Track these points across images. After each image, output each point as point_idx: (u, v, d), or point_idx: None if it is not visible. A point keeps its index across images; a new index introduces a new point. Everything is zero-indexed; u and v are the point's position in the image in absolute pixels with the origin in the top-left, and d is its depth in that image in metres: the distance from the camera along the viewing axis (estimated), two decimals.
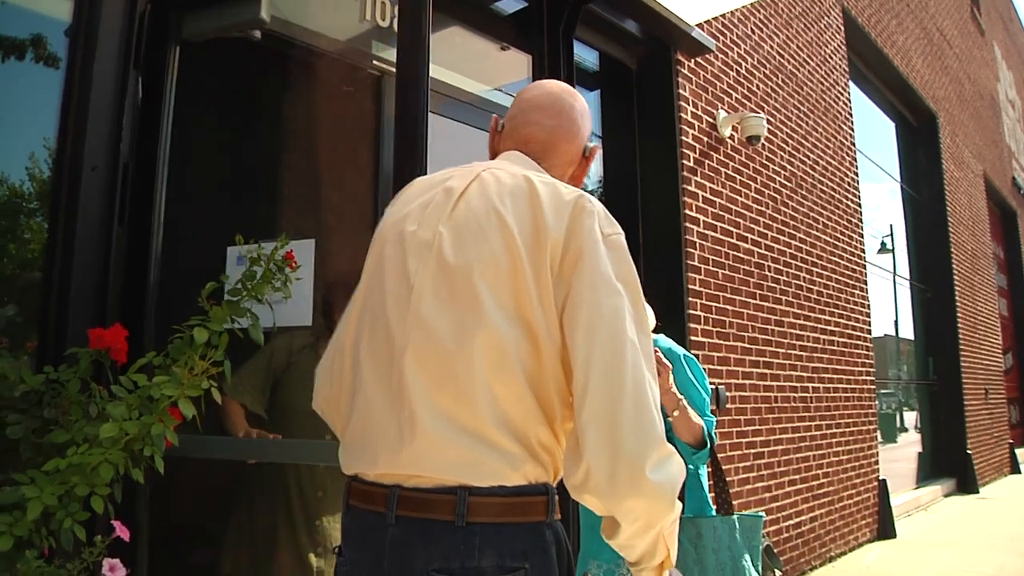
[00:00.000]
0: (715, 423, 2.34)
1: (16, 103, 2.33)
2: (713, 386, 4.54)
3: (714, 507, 2.31)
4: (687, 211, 4.58)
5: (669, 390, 2.17)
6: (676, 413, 2.18)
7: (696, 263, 4.59)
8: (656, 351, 2.19)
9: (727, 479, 2.36)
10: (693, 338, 4.47)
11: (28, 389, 1.79)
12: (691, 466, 2.28)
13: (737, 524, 2.21)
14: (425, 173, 1.69)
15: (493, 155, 1.50)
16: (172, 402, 1.57)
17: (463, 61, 3.90)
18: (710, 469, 2.32)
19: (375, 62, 3.23)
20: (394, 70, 3.29)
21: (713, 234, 4.79)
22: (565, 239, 1.22)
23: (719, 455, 2.34)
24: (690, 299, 4.49)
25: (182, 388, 1.56)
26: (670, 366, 2.20)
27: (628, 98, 4.80)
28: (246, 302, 1.78)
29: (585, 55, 4.78)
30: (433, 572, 1.16)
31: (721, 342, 4.71)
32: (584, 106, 1.49)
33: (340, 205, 3.32)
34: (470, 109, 3.83)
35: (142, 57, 2.35)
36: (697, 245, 4.62)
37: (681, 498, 2.23)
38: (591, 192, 4.81)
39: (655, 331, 2.47)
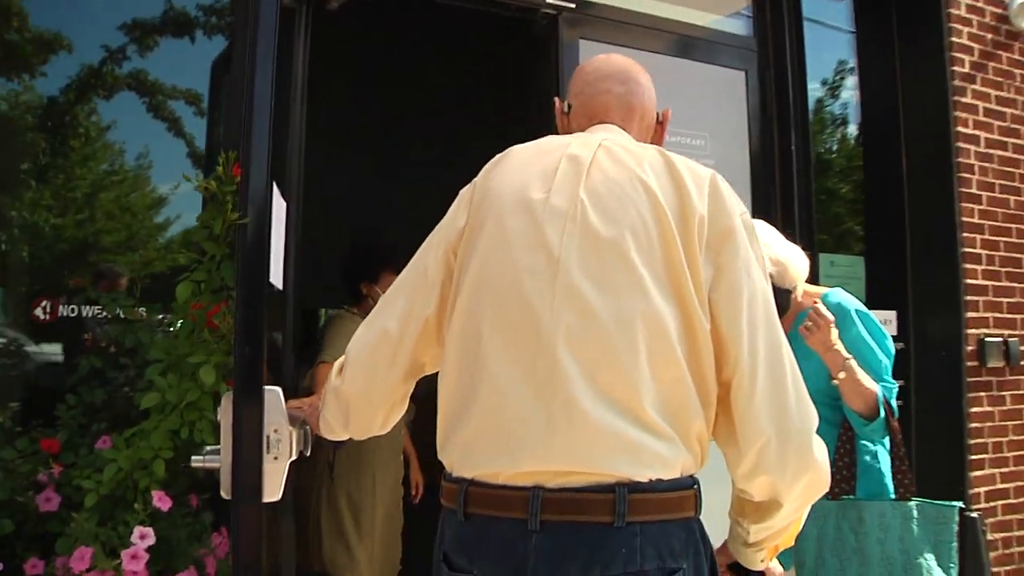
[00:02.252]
0: (895, 389, 1.96)
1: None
2: (1002, 338, 3.78)
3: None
4: (960, 128, 3.79)
5: (832, 347, 1.87)
6: (842, 375, 1.87)
7: (974, 190, 3.79)
8: (816, 303, 1.90)
9: (907, 458, 1.92)
10: (971, 281, 3.72)
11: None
12: (866, 441, 1.95)
13: (916, 513, 1.86)
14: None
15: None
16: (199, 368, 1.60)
17: None
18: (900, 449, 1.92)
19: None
20: (572, 4, 3.11)
21: (1001, 153, 3.92)
22: (710, 216, 1.18)
23: (901, 427, 1.91)
24: (965, 234, 3.73)
25: (209, 355, 1.58)
26: (832, 318, 1.88)
27: (885, 1, 4.09)
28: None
29: None
30: None
31: (1014, 284, 3.87)
32: (646, 72, 1.44)
33: None
34: (699, 44, 3.51)
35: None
36: (975, 168, 3.81)
37: (852, 477, 1.93)
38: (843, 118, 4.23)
39: (809, 282, 2.14)
